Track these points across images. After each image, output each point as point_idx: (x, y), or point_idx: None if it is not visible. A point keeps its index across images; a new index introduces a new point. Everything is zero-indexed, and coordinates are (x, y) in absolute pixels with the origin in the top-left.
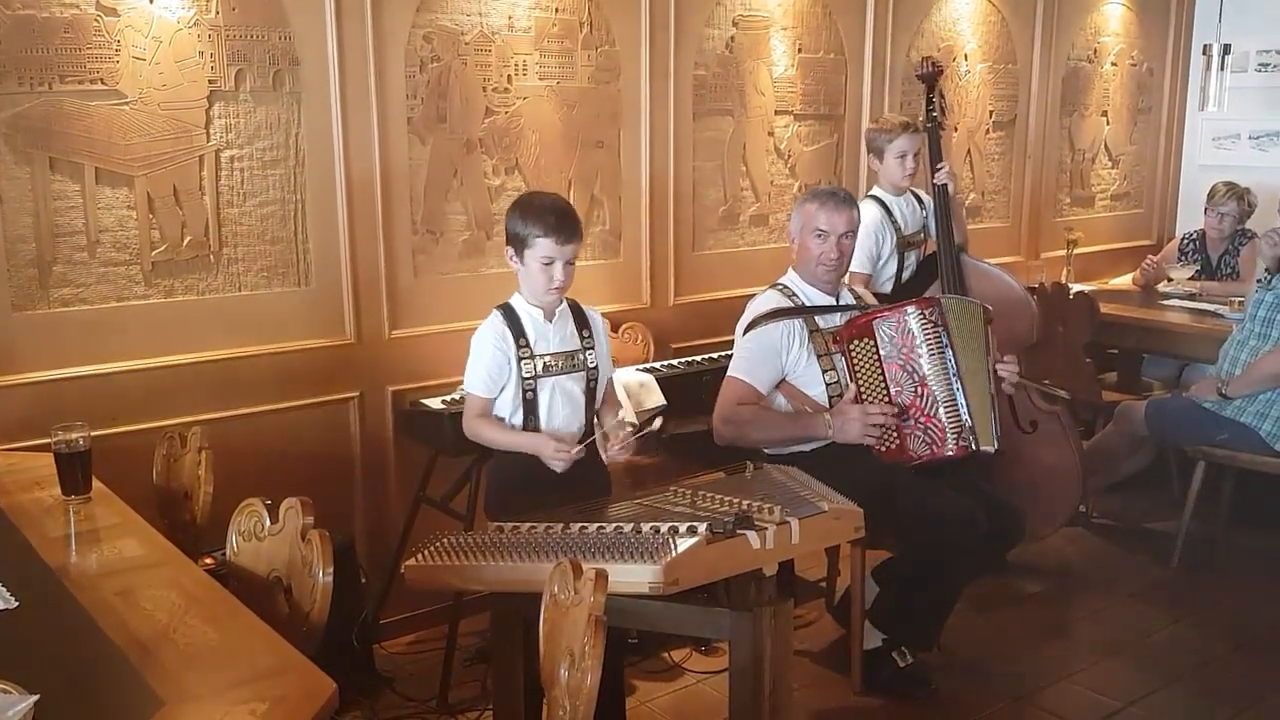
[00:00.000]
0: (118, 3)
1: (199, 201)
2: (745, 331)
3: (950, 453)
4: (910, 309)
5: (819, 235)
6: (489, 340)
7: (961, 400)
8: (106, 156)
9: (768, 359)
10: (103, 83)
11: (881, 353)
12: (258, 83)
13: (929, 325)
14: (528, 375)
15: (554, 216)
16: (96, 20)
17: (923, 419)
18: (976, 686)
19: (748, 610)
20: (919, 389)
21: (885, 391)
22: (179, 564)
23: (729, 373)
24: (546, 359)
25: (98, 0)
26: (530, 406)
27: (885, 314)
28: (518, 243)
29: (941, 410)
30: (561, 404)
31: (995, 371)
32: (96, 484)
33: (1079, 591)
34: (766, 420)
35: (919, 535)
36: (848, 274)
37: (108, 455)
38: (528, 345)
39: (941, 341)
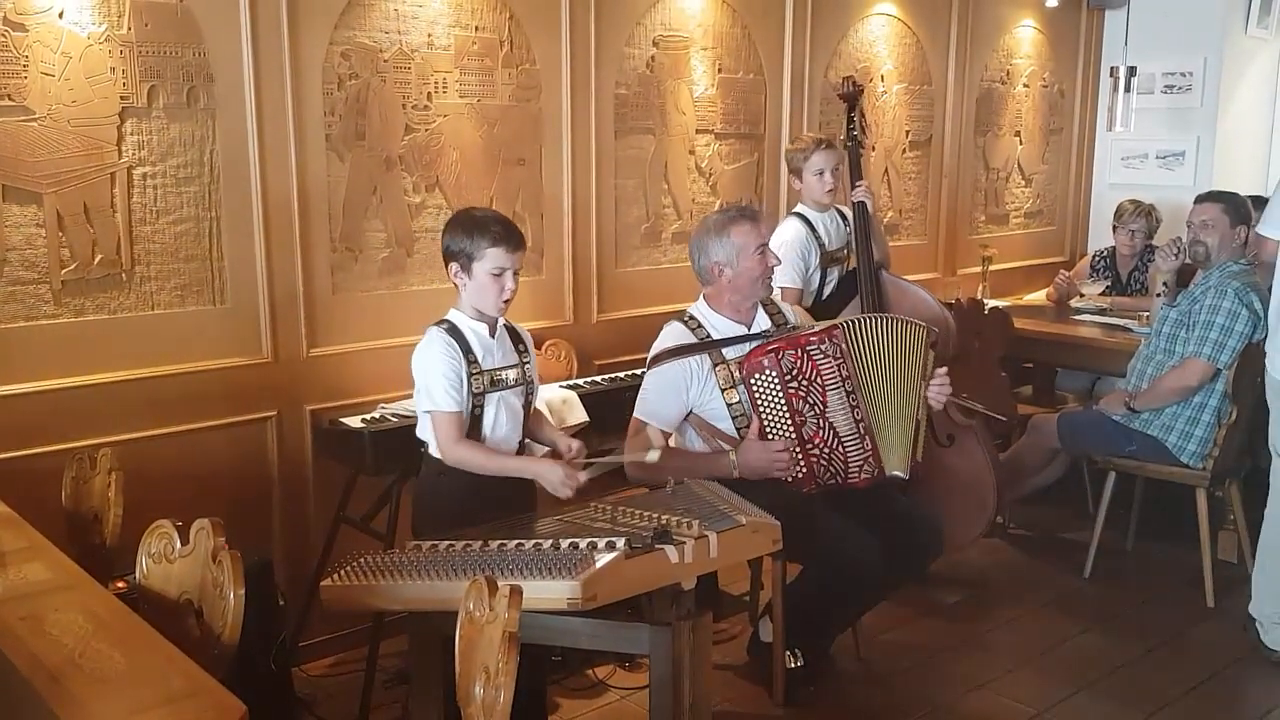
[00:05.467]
0: (25, 18)
1: (110, 219)
2: (650, 366)
3: (855, 483)
4: (812, 341)
5: (760, 252)
6: (442, 353)
7: (865, 430)
8: (14, 173)
9: (670, 399)
10: (10, 99)
11: (784, 386)
12: (171, 99)
13: (828, 358)
14: (477, 391)
15: (500, 226)
16: (4, 36)
17: (826, 450)
18: (895, 696)
19: (666, 625)
20: (821, 421)
21: (789, 423)
22: (87, 588)
23: (635, 412)
24: (494, 375)
25: (4, 16)
26: (475, 423)
27: (786, 347)
28: (464, 257)
29: (844, 443)
30: (505, 419)
31: (925, 394)
32: (2, 507)
33: (995, 601)
34: (672, 464)
35: (812, 567)
36: (779, 292)
37: (15, 478)
38: (476, 362)
39: (842, 373)
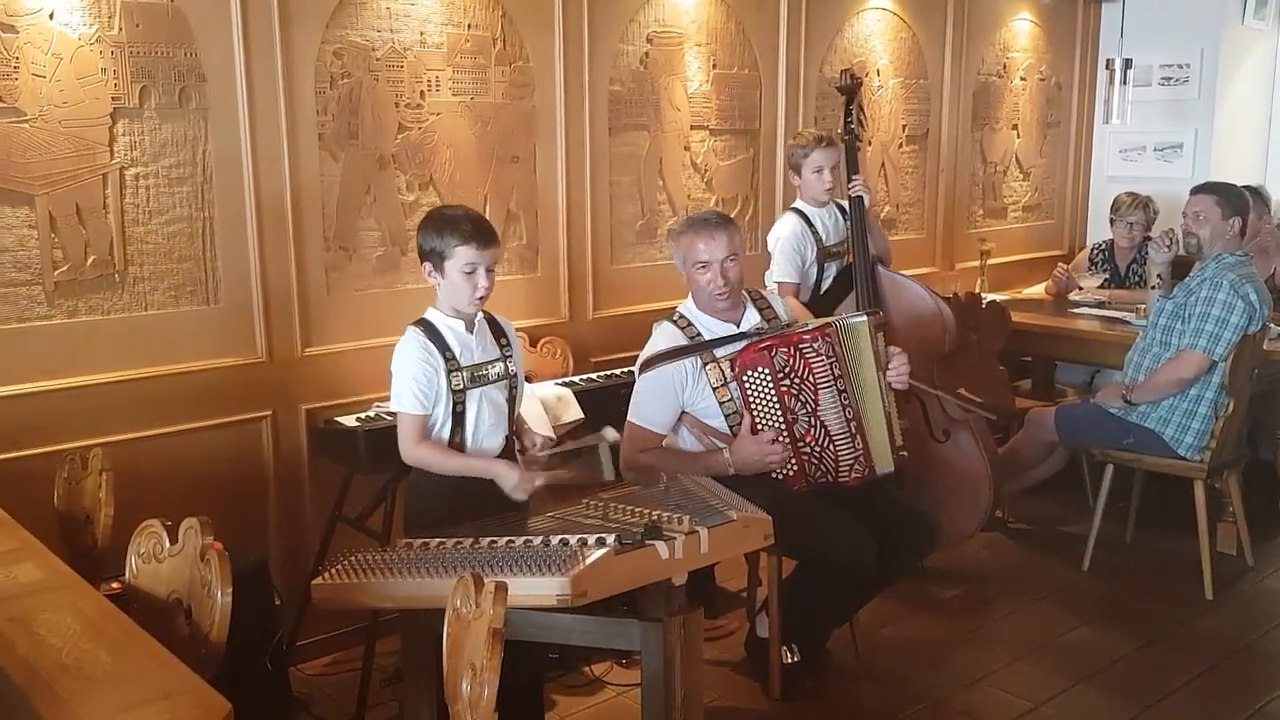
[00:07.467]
0: (16, 20)
1: (103, 220)
2: (641, 370)
3: (845, 481)
4: (805, 339)
5: (701, 266)
6: (414, 355)
7: (856, 429)
8: (5, 175)
9: (663, 400)
10: (1, 101)
11: (776, 384)
12: (163, 99)
13: (822, 357)
14: (457, 388)
15: (470, 224)
16: None
17: (818, 448)
18: (893, 691)
19: (657, 620)
20: (812, 420)
21: (780, 421)
22: (77, 588)
23: (629, 417)
24: (475, 371)
25: None
26: (458, 419)
27: (779, 344)
28: (435, 256)
29: (835, 442)
30: (488, 414)
31: (887, 379)
32: None
33: (994, 595)
34: (668, 465)
35: (807, 563)
36: (775, 286)
37: (9, 480)
38: (454, 358)
39: (834, 372)
